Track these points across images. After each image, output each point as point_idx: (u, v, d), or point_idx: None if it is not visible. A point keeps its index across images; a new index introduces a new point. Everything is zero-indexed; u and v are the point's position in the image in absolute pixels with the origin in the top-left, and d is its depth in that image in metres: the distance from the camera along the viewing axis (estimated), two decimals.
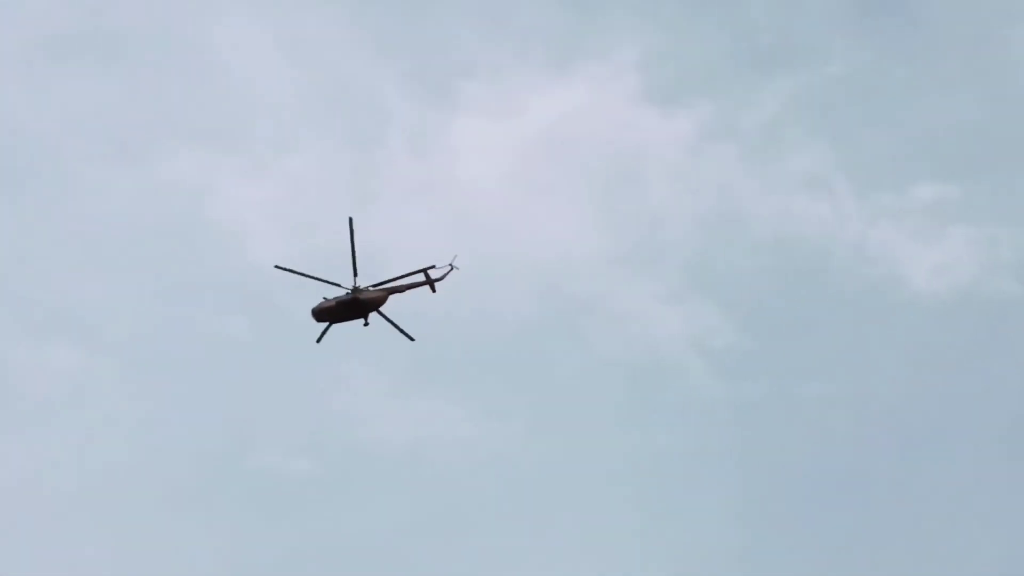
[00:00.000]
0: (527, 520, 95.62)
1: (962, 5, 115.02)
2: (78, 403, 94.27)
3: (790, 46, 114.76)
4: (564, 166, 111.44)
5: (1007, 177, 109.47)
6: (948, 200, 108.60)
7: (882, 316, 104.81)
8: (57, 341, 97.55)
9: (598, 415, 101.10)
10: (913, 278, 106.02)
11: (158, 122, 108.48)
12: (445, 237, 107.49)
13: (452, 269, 76.16)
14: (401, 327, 76.28)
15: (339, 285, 74.94)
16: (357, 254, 74.68)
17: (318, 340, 75.73)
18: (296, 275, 74.14)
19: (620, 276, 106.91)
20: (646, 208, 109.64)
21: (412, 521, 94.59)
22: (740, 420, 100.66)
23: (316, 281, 74.33)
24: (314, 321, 75.41)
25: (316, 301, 75.53)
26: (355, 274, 74.80)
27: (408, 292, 75.12)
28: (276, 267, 74.26)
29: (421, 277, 75.53)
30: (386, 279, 75.33)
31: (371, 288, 74.82)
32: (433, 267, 75.98)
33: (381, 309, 75.62)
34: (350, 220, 73.92)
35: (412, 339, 76.88)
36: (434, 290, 75.60)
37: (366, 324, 75.72)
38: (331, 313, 74.89)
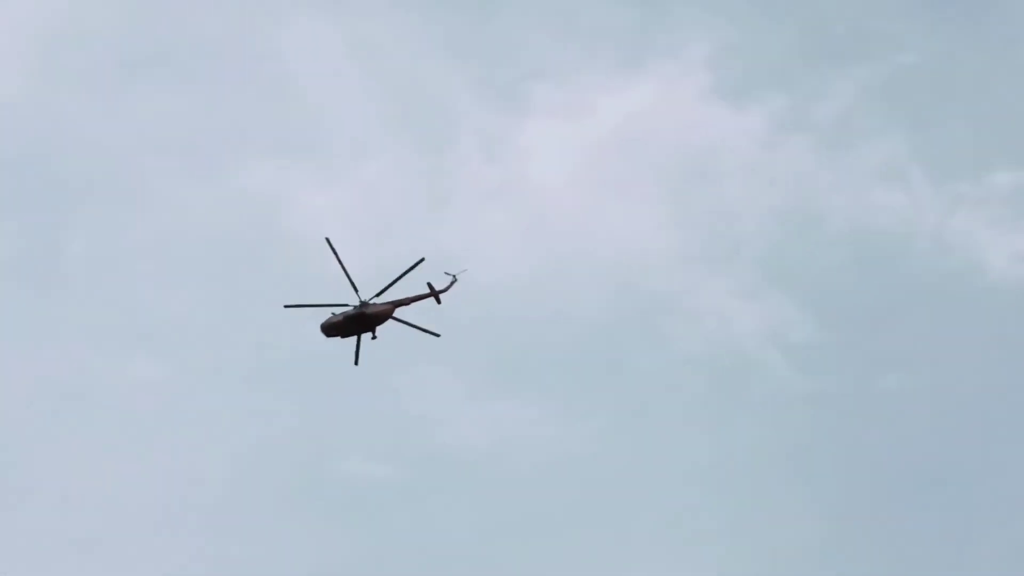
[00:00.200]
0: (608, 520, 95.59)
1: None
2: (162, 416, 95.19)
3: (862, 36, 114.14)
4: (636, 165, 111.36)
5: None
6: None
7: (961, 306, 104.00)
8: (140, 355, 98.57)
9: (677, 413, 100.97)
10: (992, 266, 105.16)
11: (233, 134, 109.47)
12: (519, 238, 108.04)
13: (455, 280, 76.71)
14: (423, 327, 76.93)
15: (346, 305, 75.81)
16: (351, 266, 76.52)
17: (355, 362, 76.79)
18: (307, 307, 75.34)
19: (695, 273, 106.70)
20: (720, 204, 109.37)
21: (493, 524, 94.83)
22: (820, 414, 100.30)
23: (328, 306, 75.31)
24: (324, 337, 76.45)
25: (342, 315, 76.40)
26: (355, 290, 75.56)
27: (413, 304, 76.41)
28: (286, 306, 75.29)
29: (426, 289, 76.41)
30: (388, 287, 75.91)
31: (377, 302, 75.38)
32: (423, 260, 76.35)
33: (397, 314, 76.36)
34: (328, 240, 74.96)
35: (438, 335, 76.88)
36: (439, 301, 76.37)
37: (374, 337, 76.37)
38: (339, 328, 75.92)
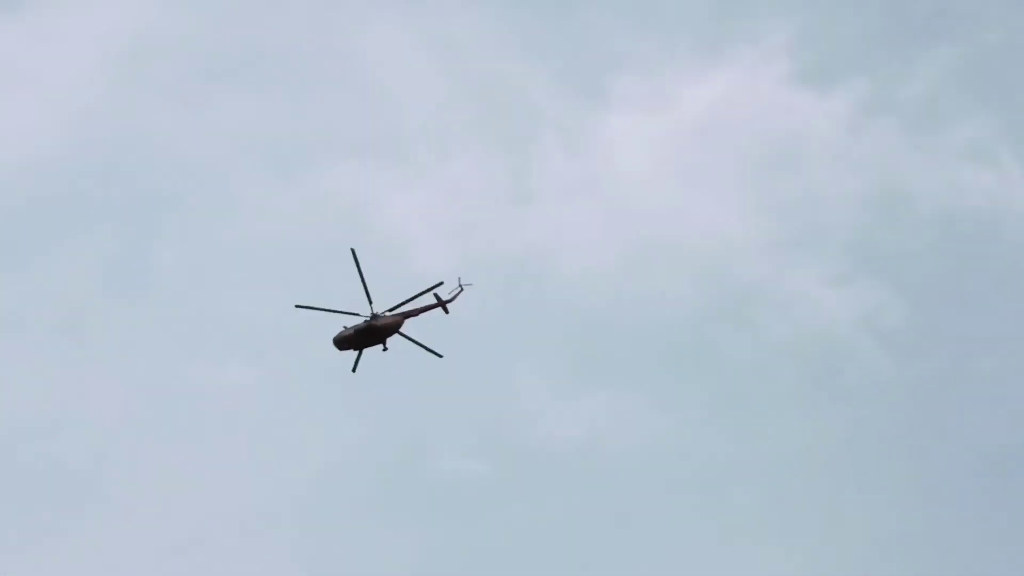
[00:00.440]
0: (704, 512, 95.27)
1: None
2: (257, 420, 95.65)
3: (945, 15, 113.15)
4: (720, 153, 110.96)
5: None
6: None
7: None
8: (233, 359, 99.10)
9: (770, 402, 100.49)
10: None
11: (318, 138, 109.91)
12: (605, 231, 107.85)
13: (461, 290, 77.50)
14: (427, 346, 77.98)
15: (357, 314, 76.64)
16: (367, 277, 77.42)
17: (353, 369, 77.98)
18: (318, 311, 76.62)
19: (784, 260, 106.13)
20: (806, 190, 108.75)
21: (590, 517, 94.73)
22: (915, 400, 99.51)
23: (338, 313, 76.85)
24: (337, 351, 77.45)
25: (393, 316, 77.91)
26: (370, 301, 76.41)
27: (422, 315, 77.48)
28: (297, 306, 76.29)
29: (433, 299, 77.27)
30: (401, 302, 76.87)
31: (387, 314, 76.39)
32: (442, 283, 77.38)
33: (402, 331, 77.43)
34: (352, 251, 75.79)
35: (440, 356, 78.09)
36: (447, 311, 77.26)
37: (384, 349, 77.24)
38: (350, 341, 76.76)
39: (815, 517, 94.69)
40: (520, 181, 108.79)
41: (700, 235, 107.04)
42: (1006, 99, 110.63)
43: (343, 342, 76.63)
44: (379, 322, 76.02)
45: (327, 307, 76.23)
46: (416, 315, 76.84)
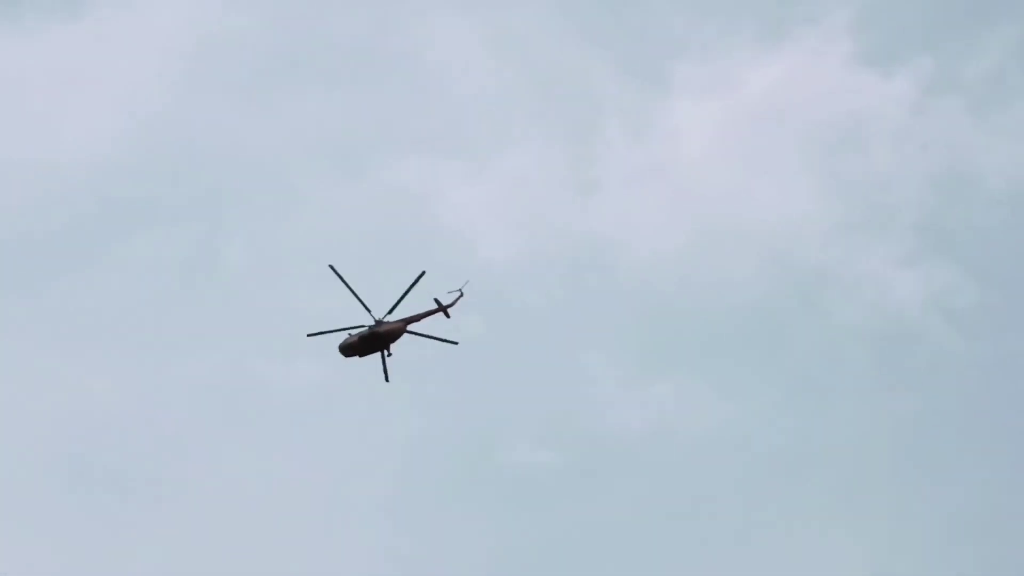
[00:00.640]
0: (776, 498, 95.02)
1: None
2: (327, 415, 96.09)
3: None
4: (784, 136, 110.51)
5: None
6: None
7: None
8: (301, 356, 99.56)
9: (841, 385, 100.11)
10: None
11: (380, 132, 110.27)
12: (670, 218, 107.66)
13: (461, 295, 78.80)
14: (440, 336, 79.52)
15: (362, 326, 78.50)
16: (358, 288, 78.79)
17: (386, 379, 79.58)
18: (328, 333, 78.54)
19: (851, 242, 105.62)
20: (872, 171, 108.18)
21: (661, 505, 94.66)
22: (987, 379, 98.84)
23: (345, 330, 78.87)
24: (343, 357, 79.27)
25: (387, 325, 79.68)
26: (368, 310, 78.11)
27: (423, 320, 78.99)
28: (308, 335, 78.47)
29: (434, 305, 78.83)
30: (397, 304, 78.28)
31: (389, 320, 78.12)
32: (424, 273, 78.45)
33: (413, 328, 79.15)
34: (332, 267, 77.66)
35: (455, 343, 79.95)
36: (448, 316, 78.78)
37: (389, 355, 78.80)
38: (355, 348, 78.64)
39: (887, 501, 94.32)
40: (584, 169, 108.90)
41: (766, 219, 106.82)
42: None
43: (348, 349, 78.70)
44: (382, 328, 78.08)
45: (337, 328, 78.43)
46: (418, 320, 78.62)
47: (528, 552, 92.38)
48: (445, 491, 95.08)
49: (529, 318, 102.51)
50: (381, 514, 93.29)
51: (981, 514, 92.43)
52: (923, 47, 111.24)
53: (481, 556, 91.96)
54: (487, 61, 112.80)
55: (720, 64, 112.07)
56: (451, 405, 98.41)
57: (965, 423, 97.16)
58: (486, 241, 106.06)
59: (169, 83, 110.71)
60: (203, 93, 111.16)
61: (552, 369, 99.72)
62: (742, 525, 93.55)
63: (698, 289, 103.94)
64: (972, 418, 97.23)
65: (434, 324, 79.97)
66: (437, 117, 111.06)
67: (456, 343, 79.61)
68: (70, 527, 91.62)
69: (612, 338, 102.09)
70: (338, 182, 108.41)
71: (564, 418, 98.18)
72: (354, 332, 78.43)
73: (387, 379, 79.23)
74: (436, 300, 78.54)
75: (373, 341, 78.01)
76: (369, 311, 77.95)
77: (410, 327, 78.92)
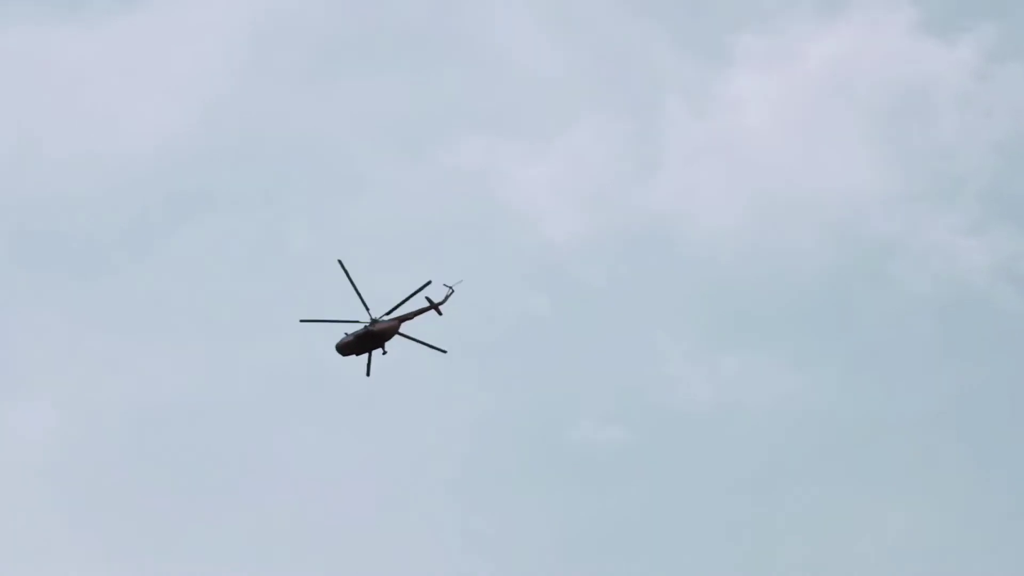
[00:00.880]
0: (849, 471, 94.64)
1: None
2: (396, 396, 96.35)
3: None
4: (847, 107, 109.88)
5: None
6: None
7: None
8: None
9: (910, 356, 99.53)
10: None
11: (439, 114, 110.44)
12: (734, 192, 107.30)
13: (452, 291, 79.82)
14: (429, 343, 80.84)
15: (358, 322, 79.68)
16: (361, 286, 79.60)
17: (367, 374, 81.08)
18: (322, 322, 80.00)
19: (917, 212, 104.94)
20: (936, 140, 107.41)
21: (729, 480, 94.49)
22: None
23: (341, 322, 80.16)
24: (340, 356, 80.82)
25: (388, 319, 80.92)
26: (366, 308, 79.45)
27: (416, 318, 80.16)
28: (301, 320, 79.89)
29: (426, 303, 79.87)
30: (395, 306, 79.65)
31: (384, 319, 79.66)
32: (430, 283, 79.39)
33: (406, 331, 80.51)
34: (340, 262, 78.74)
35: (444, 351, 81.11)
36: (440, 313, 79.94)
37: (384, 353, 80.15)
38: (351, 348, 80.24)
39: (958, 472, 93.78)
40: (646, 145, 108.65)
41: (830, 190, 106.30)
42: None
43: (344, 348, 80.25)
44: (377, 327, 79.48)
45: (330, 319, 79.90)
46: (411, 318, 79.88)
47: (598, 529, 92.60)
48: (515, 470, 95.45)
49: (593, 295, 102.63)
50: (452, 494, 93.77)
51: None
52: (985, 13, 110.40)
53: (551, 534, 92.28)
54: (547, 40, 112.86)
55: (781, 36, 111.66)
56: (518, 384, 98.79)
57: None
58: (549, 220, 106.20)
59: (230, 70, 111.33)
60: (264, 79, 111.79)
61: (618, 346, 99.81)
62: (812, 499, 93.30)
63: (763, 262, 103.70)
64: None
65: (432, 324, 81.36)
66: (498, 97, 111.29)
67: (445, 351, 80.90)
68: (140, 514, 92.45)
69: (677, 313, 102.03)
70: (402, 164, 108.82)
71: (631, 394, 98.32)
72: (350, 331, 80.00)
73: (368, 374, 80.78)
74: (427, 299, 79.71)
75: (369, 339, 79.70)
76: (368, 309, 79.40)
77: (403, 328, 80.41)
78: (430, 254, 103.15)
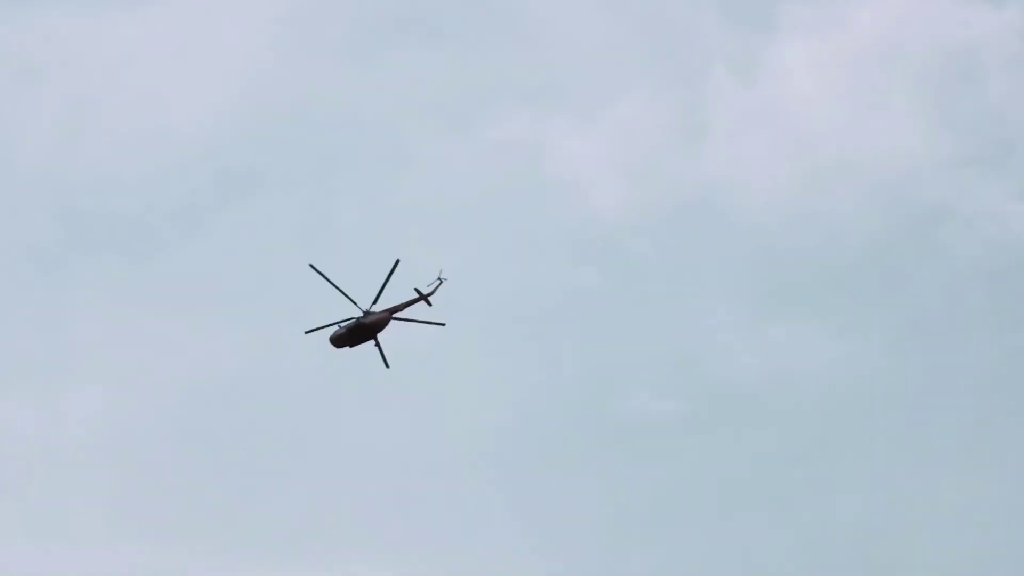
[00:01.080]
0: (899, 439, 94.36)
1: None
2: (447, 369, 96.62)
3: None
4: (895, 73, 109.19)
5: None
6: None
7: None
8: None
9: (962, 322, 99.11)
10: None
11: (485, 88, 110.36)
12: (783, 160, 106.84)
13: (440, 283, 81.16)
14: (426, 320, 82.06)
15: (351, 318, 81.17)
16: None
17: (386, 365, 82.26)
18: (325, 327, 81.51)
19: (967, 177, 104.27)
20: (986, 104, 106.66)
21: (782, 449, 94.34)
22: None
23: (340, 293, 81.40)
24: (333, 348, 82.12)
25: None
26: (354, 303, 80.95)
27: (407, 309, 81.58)
28: (306, 332, 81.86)
29: (415, 295, 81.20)
30: (379, 293, 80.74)
31: (375, 312, 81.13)
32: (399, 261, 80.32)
33: (396, 316, 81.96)
34: (312, 266, 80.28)
35: (443, 324, 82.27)
36: (430, 304, 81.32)
37: (376, 344, 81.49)
38: (344, 340, 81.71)
39: (1010, 437, 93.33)
40: (693, 115, 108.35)
41: (880, 157, 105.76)
42: None
43: (338, 340, 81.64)
44: (368, 320, 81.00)
45: (328, 323, 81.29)
46: (401, 310, 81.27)
47: (652, 499, 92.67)
48: (567, 442, 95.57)
49: (642, 266, 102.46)
50: (505, 465, 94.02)
51: None
52: None
53: (606, 504, 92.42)
54: (593, 11, 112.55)
55: (827, 3, 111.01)
56: (570, 356, 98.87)
57: None
58: (597, 191, 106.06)
59: (276, 48, 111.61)
60: (307, 54, 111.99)
61: (668, 316, 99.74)
62: (864, 467, 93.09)
63: (811, 230, 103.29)
64: None
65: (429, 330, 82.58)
66: (545, 69, 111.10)
67: (444, 324, 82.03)
68: (194, 494, 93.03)
69: (727, 282, 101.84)
70: (448, 138, 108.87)
71: (683, 364, 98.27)
72: (343, 324, 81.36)
73: (387, 365, 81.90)
74: (416, 289, 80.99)
75: (361, 331, 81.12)
76: (355, 303, 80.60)
77: (395, 315, 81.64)
78: (478, 228, 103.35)
